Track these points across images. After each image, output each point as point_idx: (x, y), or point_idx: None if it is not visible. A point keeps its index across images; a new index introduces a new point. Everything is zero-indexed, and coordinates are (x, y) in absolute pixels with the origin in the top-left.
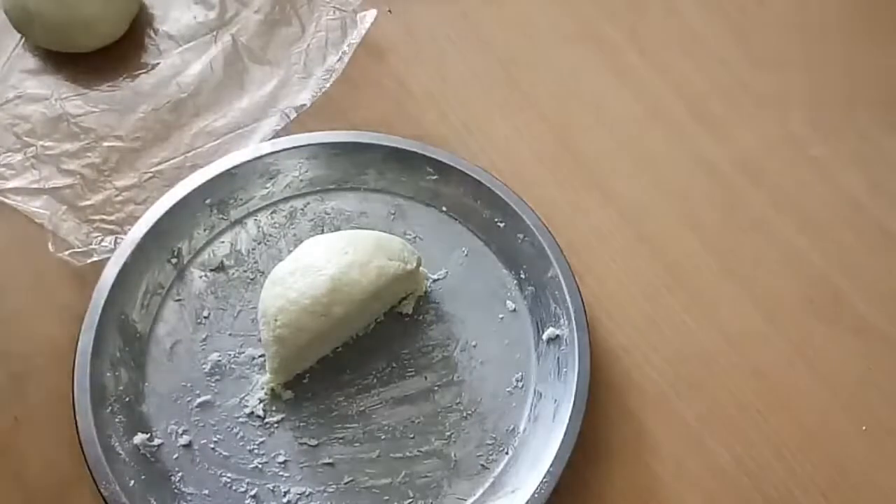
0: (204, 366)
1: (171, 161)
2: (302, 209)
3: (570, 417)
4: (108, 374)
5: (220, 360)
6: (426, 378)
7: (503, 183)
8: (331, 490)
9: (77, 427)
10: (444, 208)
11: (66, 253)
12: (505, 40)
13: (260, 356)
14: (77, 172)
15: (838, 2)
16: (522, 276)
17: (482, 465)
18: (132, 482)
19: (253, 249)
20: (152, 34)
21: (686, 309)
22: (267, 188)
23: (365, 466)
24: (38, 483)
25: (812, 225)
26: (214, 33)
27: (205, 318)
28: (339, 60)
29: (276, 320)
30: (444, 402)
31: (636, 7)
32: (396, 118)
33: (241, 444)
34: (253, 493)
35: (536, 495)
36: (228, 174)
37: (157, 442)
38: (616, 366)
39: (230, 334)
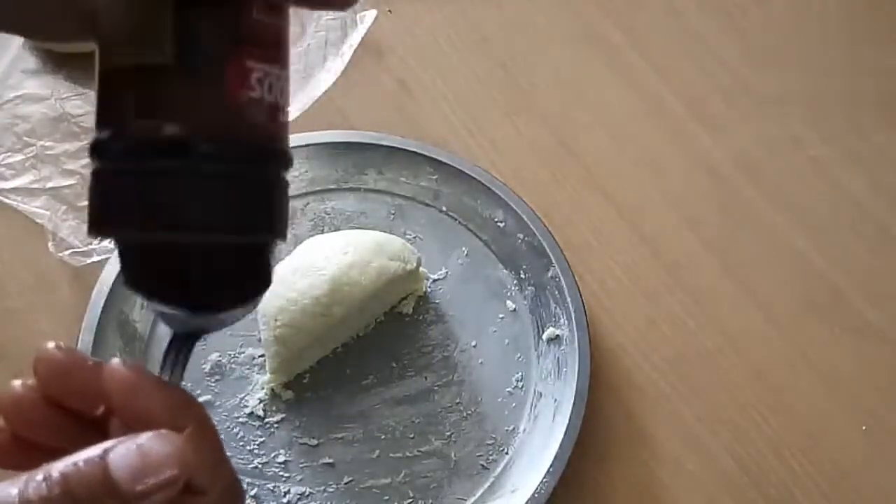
0: (204, 366)
1: None
2: (302, 209)
3: (570, 417)
4: None
5: (220, 360)
6: (426, 378)
7: (503, 183)
8: (331, 490)
9: None
10: (444, 208)
11: (66, 253)
12: (505, 40)
13: (260, 356)
14: (77, 172)
15: (838, 2)
16: (522, 276)
17: (482, 465)
18: None
19: None
20: None
21: (686, 309)
22: None
23: (365, 466)
24: None
25: (812, 225)
26: None
27: None
28: (339, 60)
29: (276, 320)
30: (444, 402)
31: (636, 7)
32: (396, 118)
33: (241, 444)
34: (253, 493)
35: (536, 495)
36: None
37: None
38: (616, 366)
39: (230, 334)
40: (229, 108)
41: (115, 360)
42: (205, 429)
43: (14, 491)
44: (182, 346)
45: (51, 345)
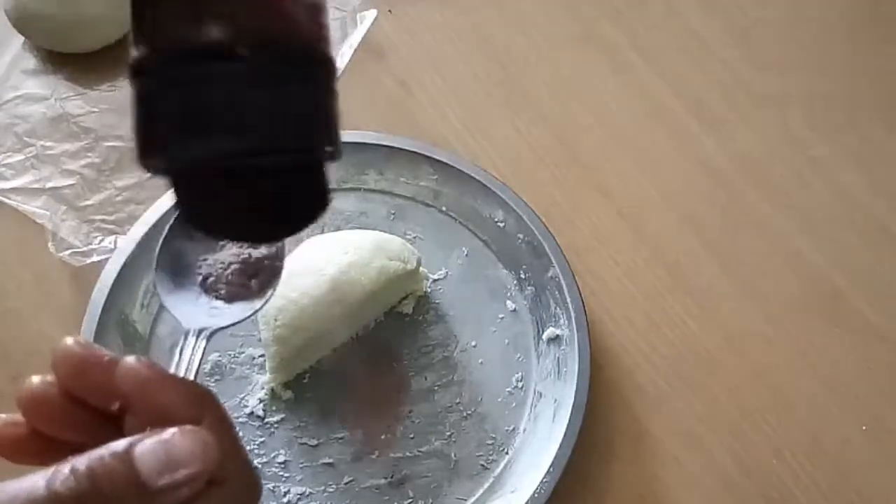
0: (204, 366)
1: None
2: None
3: (570, 417)
4: None
5: (220, 360)
6: (426, 378)
7: (503, 183)
8: (331, 490)
9: None
10: (444, 208)
11: (66, 253)
12: (505, 40)
13: (260, 356)
14: (77, 172)
15: (839, 2)
16: (522, 276)
17: (482, 466)
18: None
19: None
20: None
21: (686, 309)
22: None
23: (365, 466)
24: None
25: (812, 225)
26: None
27: None
28: (339, 60)
29: (275, 320)
30: (444, 402)
31: (636, 7)
32: (396, 118)
33: None
34: None
35: (536, 495)
36: None
37: None
38: (616, 366)
39: (230, 334)
40: (271, 7)
41: (129, 358)
42: (221, 420)
43: (42, 483)
44: (196, 341)
45: (69, 340)
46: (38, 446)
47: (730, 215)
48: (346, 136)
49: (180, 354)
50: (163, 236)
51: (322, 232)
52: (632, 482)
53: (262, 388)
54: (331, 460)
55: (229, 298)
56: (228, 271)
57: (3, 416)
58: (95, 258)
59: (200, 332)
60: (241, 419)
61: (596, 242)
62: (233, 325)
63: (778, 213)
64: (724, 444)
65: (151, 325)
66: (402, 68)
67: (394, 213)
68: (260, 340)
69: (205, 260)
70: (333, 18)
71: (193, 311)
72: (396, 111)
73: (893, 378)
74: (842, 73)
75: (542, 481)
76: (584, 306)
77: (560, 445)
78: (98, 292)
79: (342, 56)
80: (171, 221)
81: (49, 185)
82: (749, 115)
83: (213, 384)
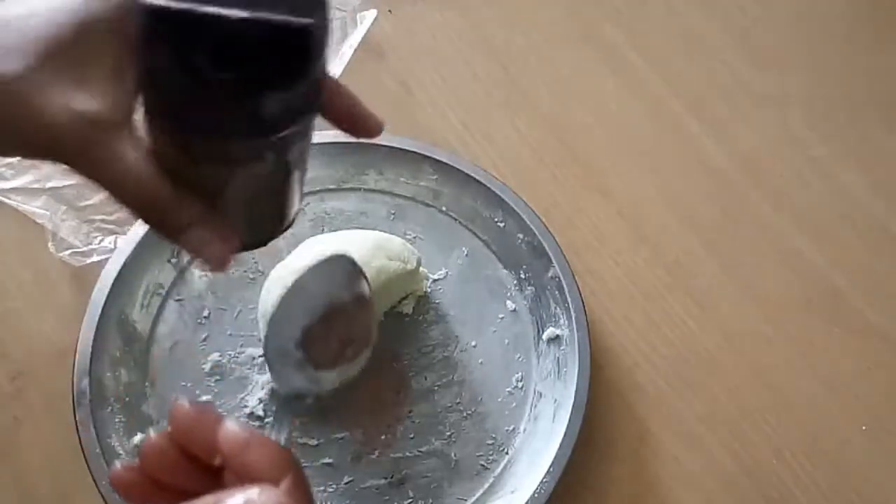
0: (204, 366)
1: None
2: (302, 209)
3: (570, 417)
4: (108, 374)
5: (220, 360)
6: (426, 378)
7: (503, 183)
8: (331, 490)
9: (77, 427)
10: (444, 208)
11: (66, 253)
12: (505, 40)
13: (260, 356)
14: None
15: (839, 2)
16: (522, 276)
17: (482, 466)
18: None
19: None
20: None
21: (686, 309)
22: None
23: (365, 466)
24: (38, 483)
25: (812, 225)
26: None
27: (205, 318)
28: (339, 60)
29: None
30: (444, 402)
31: (636, 7)
32: (396, 118)
33: None
34: None
35: (536, 495)
36: None
37: None
38: (616, 366)
39: (230, 334)
40: None
41: (230, 422)
42: (299, 482)
43: None
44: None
45: (184, 402)
46: (149, 489)
47: (730, 215)
48: (347, 136)
49: (274, 420)
50: (271, 312)
51: (322, 232)
52: (632, 482)
53: (262, 388)
54: (331, 460)
55: (328, 366)
56: (327, 340)
57: (124, 462)
58: (95, 258)
59: (295, 396)
60: (241, 419)
61: (596, 242)
62: (327, 391)
63: (778, 213)
64: (724, 444)
65: (151, 325)
66: (402, 68)
67: (394, 213)
68: (260, 340)
69: (306, 330)
70: (333, 18)
71: (295, 377)
72: (396, 111)
73: (893, 378)
74: (842, 73)
75: (542, 481)
76: (584, 306)
77: (560, 445)
78: (98, 292)
79: (342, 56)
80: (281, 299)
81: (49, 185)
82: (749, 115)
83: (213, 384)
